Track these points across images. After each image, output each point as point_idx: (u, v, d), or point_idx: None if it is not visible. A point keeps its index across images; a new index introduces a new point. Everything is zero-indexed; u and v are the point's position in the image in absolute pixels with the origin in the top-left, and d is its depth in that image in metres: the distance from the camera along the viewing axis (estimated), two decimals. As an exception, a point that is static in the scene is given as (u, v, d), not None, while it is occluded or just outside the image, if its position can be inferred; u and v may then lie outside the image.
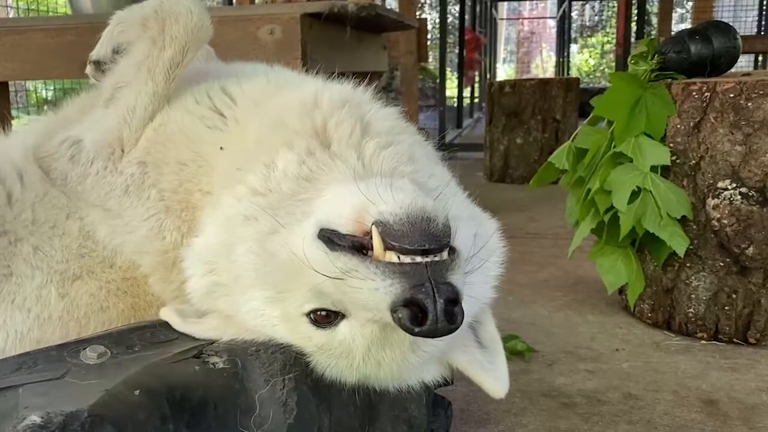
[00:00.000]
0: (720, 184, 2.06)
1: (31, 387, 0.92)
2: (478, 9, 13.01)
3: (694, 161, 2.11)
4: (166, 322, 1.17)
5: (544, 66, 25.92)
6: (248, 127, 1.28)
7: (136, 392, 0.93)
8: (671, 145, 2.15)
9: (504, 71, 25.09)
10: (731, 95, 2.04)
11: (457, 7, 11.43)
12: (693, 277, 2.17)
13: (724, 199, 2.04)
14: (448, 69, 10.79)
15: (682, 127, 2.13)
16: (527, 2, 23.36)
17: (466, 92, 11.85)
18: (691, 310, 2.19)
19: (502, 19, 21.58)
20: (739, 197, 2.02)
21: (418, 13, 9.65)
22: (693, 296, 2.18)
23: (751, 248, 2.04)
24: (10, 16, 5.88)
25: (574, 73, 19.80)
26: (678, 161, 2.14)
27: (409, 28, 4.03)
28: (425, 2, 16.63)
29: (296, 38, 2.23)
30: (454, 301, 0.87)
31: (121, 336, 1.11)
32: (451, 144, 7.82)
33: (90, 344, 1.05)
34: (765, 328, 2.12)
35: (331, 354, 1.04)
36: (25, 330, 1.24)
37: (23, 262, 1.27)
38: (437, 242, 0.90)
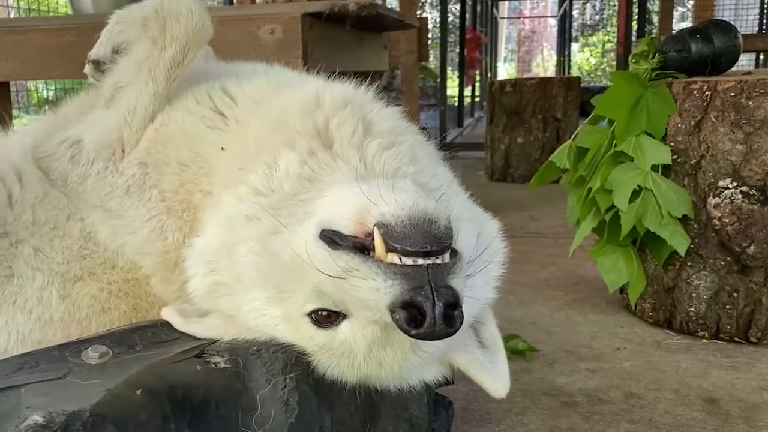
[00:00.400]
0: (721, 183, 2.06)
1: (33, 387, 0.92)
2: (478, 8, 13.01)
3: (694, 160, 2.11)
4: (168, 322, 1.17)
5: (545, 65, 25.91)
6: (249, 127, 1.28)
7: (138, 392, 0.93)
8: (672, 144, 2.15)
9: (505, 70, 25.09)
10: (732, 94, 2.04)
11: (458, 6, 11.42)
12: (694, 276, 2.17)
13: (725, 198, 2.04)
14: (449, 68, 10.77)
15: (683, 126, 2.13)
16: (528, 1, 23.37)
17: (467, 91, 11.86)
18: (692, 309, 2.19)
19: (503, 17, 21.57)
20: (740, 196, 2.02)
21: (418, 13, 9.66)
22: (694, 295, 2.18)
23: (752, 247, 2.04)
24: (11, 16, 5.88)
25: (575, 72, 19.78)
26: (679, 160, 2.14)
27: (410, 27, 4.03)
28: (426, 1, 16.63)
29: (297, 38, 2.24)
30: (453, 305, 0.87)
31: (123, 336, 1.11)
32: (452, 143, 7.81)
33: (92, 344, 1.06)
34: (766, 327, 2.12)
35: (333, 354, 1.04)
36: (27, 331, 1.24)
37: (24, 263, 1.27)
38: (439, 244, 0.90)
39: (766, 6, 11.57)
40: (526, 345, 2.07)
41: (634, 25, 7.99)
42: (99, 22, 1.51)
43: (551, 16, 23.87)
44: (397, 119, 1.33)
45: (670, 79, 2.21)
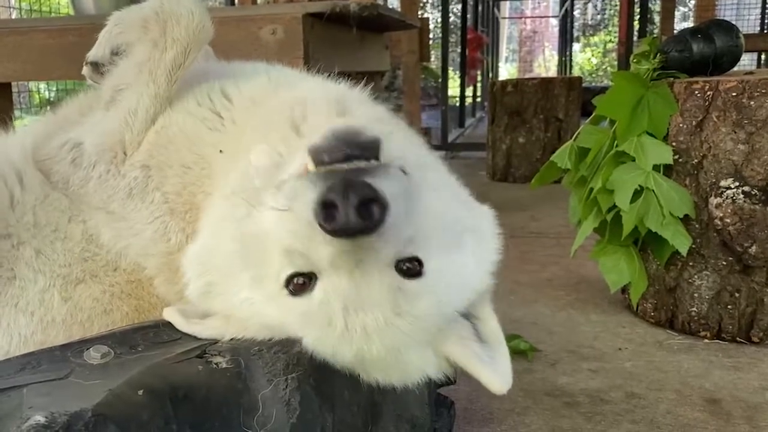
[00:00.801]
0: (722, 183, 2.06)
1: (35, 387, 0.92)
2: (480, 8, 12.99)
3: (696, 160, 2.11)
4: (170, 323, 1.17)
5: (547, 65, 25.89)
6: (245, 128, 1.28)
7: (140, 392, 0.93)
8: (674, 144, 2.15)
9: (506, 70, 25.08)
10: (734, 94, 2.03)
11: (459, 6, 11.41)
12: (696, 276, 2.17)
13: (726, 197, 2.04)
14: (451, 68, 10.76)
15: (685, 126, 2.13)
16: (529, 1, 23.35)
17: (469, 91, 11.85)
18: (694, 309, 2.19)
19: (505, 18, 21.54)
20: (741, 196, 2.02)
21: (420, 13, 9.66)
22: (696, 295, 2.18)
23: (753, 247, 2.03)
24: (13, 17, 5.89)
25: (576, 72, 19.75)
26: (680, 160, 2.14)
27: (411, 27, 4.03)
28: (427, 1, 16.64)
29: (298, 38, 2.24)
30: (372, 199, 0.89)
31: (125, 336, 1.11)
32: (453, 143, 7.81)
33: (93, 344, 1.06)
34: (768, 326, 2.12)
35: (315, 323, 1.03)
36: (29, 333, 1.24)
37: (26, 265, 1.27)
38: (360, 149, 0.95)
39: (767, 6, 11.54)
40: (527, 345, 2.07)
41: (636, 25, 7.99)
42: (100, 23, 1.51)
43: (553, 16, 23.86)
44: (382, 111, 1.34)
45: (672, 79, 2.21)
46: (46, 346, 1.15)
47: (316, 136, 0.99)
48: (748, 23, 12.52)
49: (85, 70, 1.49)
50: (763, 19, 11.32)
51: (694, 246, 2.12)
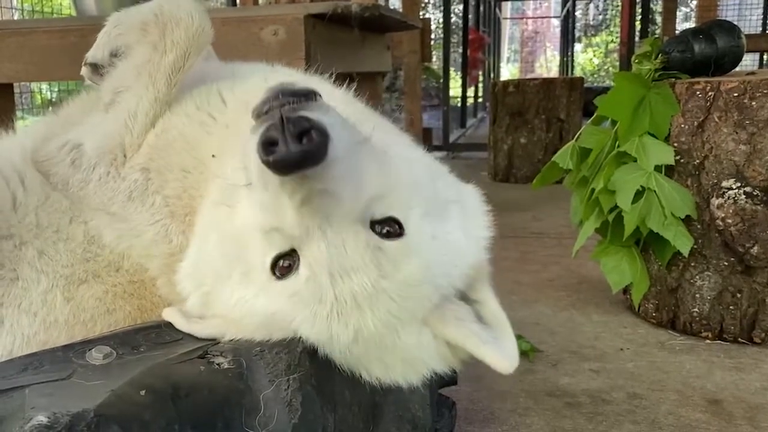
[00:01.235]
0: (724, 184, 2.06)
1: (37, 387, 0.93)
2: (481, 8, 12.99)
3: (698, 161, 2.11)
4: (171, 323, 1.17)
5: (548, 65, 25.90)
6: (238, 131, 1.28)
7: (142, 392, 0.93)
8: (675, 144, 2.15)
9: (508, 71, 25.07)
10: (735, 94, 2.03)
11: (461, 7, 11.42)
12: (697, 277, 2.17)
13: (728, 198, 2.04)
14: (452, 69, 10.76)
15: (686, 127, 2.13)
16: (531, 2, 23.34)
17: (470, 92, 11.83)
18: (696, 309, 2.19)
19: (506, 18, 21.55)
20: (743, 196, 2.02)
21: (421, 13, 9.65)
22: (697, 296, 2.18)
23: (755, 247, 2.03)
24: (15, 17, 5.90)
25: (578, 73, 19.74)
26: (682, 161, 2.14)
27: (413, 28, 4.03)
28: (429, 2, 16.63)
29: (300, 39, 2.24)
30: (308, 129, 0.90)
31: (127, 337, 1.12)
32: (455, 144, 7.81)
33: (96, 345, 1.06)
34: (770, 327, 2.12)
35: (306, 301, 1.03)
36: (32, 333, 1.25)
37: (28, 266, 1.27)
38: (294, 95, 0.96)
39: (769, 6, 11.52)
40: (529, 345, 2.07)
41: (637, 25, 7.98)
42: (102, 24, 1.51)
43: (554, 17, 23.84)
44: (360, 105, 1.36)
45: (673, 79, 2.21)
46: (48, 347, 1.16)
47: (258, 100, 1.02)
48: (750, 24, 12.49)
49: (84, 71, 1.49)
50: (765, 19, 11.29)
51: (695, 246, 2.11)
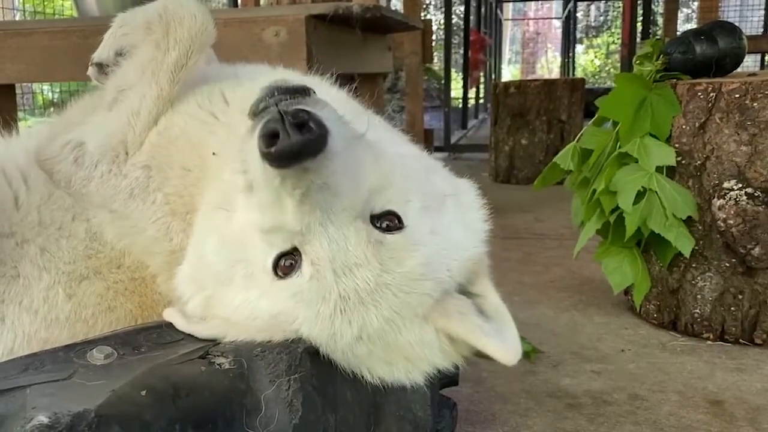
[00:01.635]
0: (725, 185, 2.05)
1: (38, 387, 0.93)
2: (483, 10, 12.99)
3: (699, 162, 2.11)
4: (172, 324, 1.17)
5: (549, 66, 25.92)
6: (239, 131, 1.28)
7: (143, 393, 0.93)
8: (676, 145, 2.14)
9: (509, 72, 25.07)
10: (737, 95, 2.03)
11: (462, 8, 11.41)
12: (699, 278, 2.17)
13: (729, 199, 2.04)
14: (453, 70, 10.77)
15: (688, 128, 2.13)
16: (532, 3, 23.32)
17: (471, 93, 11.83)
18: (697, 310, 2.19)
19: (507, 19, 21.55)
20: (744, 198, 2.02)
21: (422, 14, 9.65)
22: (699, 297, 2.18)
23: (757, 248, 2.03)
24: (17, 18, 5.90)
25: (579, 74, 19.74)
26: (683, 162, 2.14)
27: (414, 29, 4.03)
28: (430, 3, 16.64)
29: (301, 40, 2.24)
30: (305, 120, 0.91)
31: (128, 337, 1.12)
32: (456, 145, 7.81)
33: (97, 345, 1.06)
34: (771, 328, 2.12)
35: (309, 299, 1.03)
36: (33, 331, 1.25)
37: (30, 263, 1.27)
38: (288, 92, 0.99)
39: (770, 7, 11.51)
40: (530, 346, 2.06)
41: (639, 26, 7.97)
42: (104, 25, 1.52)
43: (555, 18, 23.84)
44: (350, 101, 1.38)
45: (675, 80, 2.21)
46: (50, 343, 1.16)
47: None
48: (751, 25, 12.48)
49: (91, 71, 1.51)
50: (766, 20, 11.28)
51: (697, 248, 2.11)
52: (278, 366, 1.06)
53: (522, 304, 2.53)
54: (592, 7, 24.20)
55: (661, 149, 2.13)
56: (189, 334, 1.14)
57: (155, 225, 1.29)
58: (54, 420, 0.84)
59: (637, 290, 2.21)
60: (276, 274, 1.05)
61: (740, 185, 2.03)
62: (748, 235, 2.03)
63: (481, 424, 1.68)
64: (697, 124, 2.10)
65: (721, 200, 2.05)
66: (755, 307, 2.12)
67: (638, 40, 7.65)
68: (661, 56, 2.24)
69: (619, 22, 19.11)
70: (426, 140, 6.28)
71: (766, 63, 10.39)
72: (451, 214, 1.13)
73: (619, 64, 12.41)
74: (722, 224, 2.06)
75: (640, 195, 2.08)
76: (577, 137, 2.37)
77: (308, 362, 1.07)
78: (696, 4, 15.33)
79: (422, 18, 7.22)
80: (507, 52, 24.71)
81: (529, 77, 20.61)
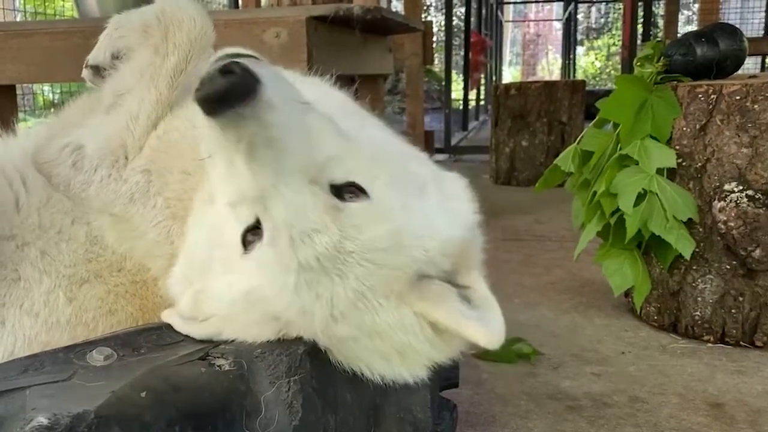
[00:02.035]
0: (726, 187, 2.05)
1: (38, 389, 0.92)
2: (483, 11, 13.00)
3: (700, 164, 2.11)
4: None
5: (550, 68, 25.91)
6: None
7: (143, 394, 0.93)
8: (677, 147, 2.14)
9: (510, 73, 25.07)
10: (737, 97, 2.03)
11: (463, 10, 11.42)
12: (699, 280, 2.17)
13: (730, 201, 2.04)
14: (454, 71, 10.79)
15: (688, 130, 2.13)
16: (533, 5, 23.34)
17: (472, 94, 11.84)
18: (698, 312, 2.18)
19: (508, 21, 21.56)
20: (745, 200, 2.02)
21: (423, 16, 9.65)
22: (699, 299, 2.18)
23: (757, 251, 2.03)
24: (17, 19, 5.90)
25: (579, 76, 19.75)
26: (684, 164, 2.14)
27: (415, 30, 4.04)
28: (431, 5, 16.66)
29: (302, 41, 2.24)
30: (231, 68, 0.91)
31: (128, 338, 1.12)
32: (456, 146, 7.81)
33: (97, 346, 1.06)
34: (772, 331, 2.12)
35: (272, 269, 1.01)
36: (33, 334, 1.25)
37: (31, 266, 1.27)
38: (231, 56, 1.00)
39: (771, 10, 11.51)
40: (530, 348, 2.06)
41: (639, 28, 7.97)
42: (104, 26, 1.51)
43: (556, 20, 23.84)
44: (349, 101, 1.38)
45: (675, 82, 2.21)
46: (50, 347, 1.16)
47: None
48: (752, 27, 12.48)
49: (85, 73, 1.48)
50: (767, 22, 11.29)
51: (697, 250, 2.11)
52: (278, 367, 1.06)
53: (522, 306, 2.53)
54: (593, 9, 24.21)
55: (661, 151, 2.13)
56: (189, 336, 1.14)
57: (156, 229, 1.29)
58: (53, 421, 0.84)
59: (638, 292, 2.21)
60: (245, 249, 1.04)
61: (741, 187, 2.03)
62: (748, 238, 2.03)
63: (481, 426, 1.68)
64: (697, 126, 2.10)
65: (722, 202, 2.05)
66: (756, 310, 2.12)
67: (639, 42, 7.65)
68: (662, 58, 2.25)
69: (619, 24, 19.11)
70: (426, 142, 6.27)
71: (766, 65, 10.40)
72: (431, 200, 1.09)
73: (619, 66, 12.41)
74: (723, 226, 2.06)
75: (640, 197, 2.08)
76: (578, 139, 2.37)
77: (308, 364, 1.07)
78: (697, 6, 15.34)
79: (423, 19, 7.22)
80: (508, 54, 24.71)
81: (530, 79, 20.57)
